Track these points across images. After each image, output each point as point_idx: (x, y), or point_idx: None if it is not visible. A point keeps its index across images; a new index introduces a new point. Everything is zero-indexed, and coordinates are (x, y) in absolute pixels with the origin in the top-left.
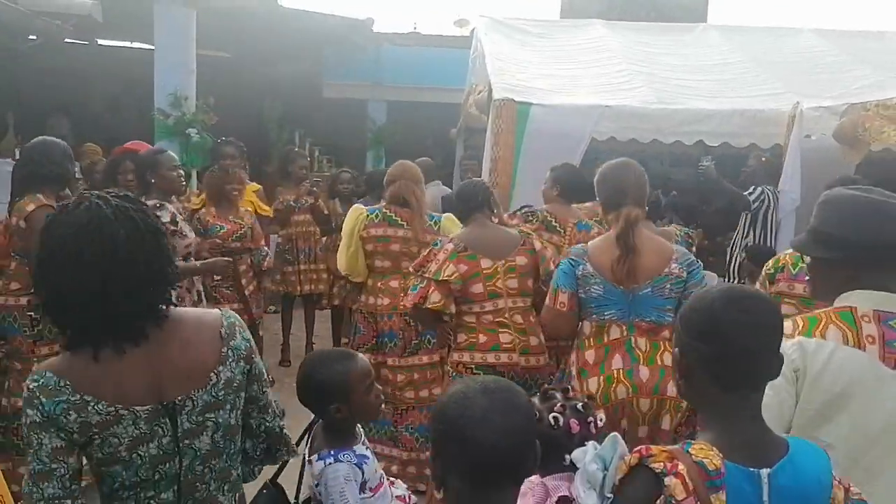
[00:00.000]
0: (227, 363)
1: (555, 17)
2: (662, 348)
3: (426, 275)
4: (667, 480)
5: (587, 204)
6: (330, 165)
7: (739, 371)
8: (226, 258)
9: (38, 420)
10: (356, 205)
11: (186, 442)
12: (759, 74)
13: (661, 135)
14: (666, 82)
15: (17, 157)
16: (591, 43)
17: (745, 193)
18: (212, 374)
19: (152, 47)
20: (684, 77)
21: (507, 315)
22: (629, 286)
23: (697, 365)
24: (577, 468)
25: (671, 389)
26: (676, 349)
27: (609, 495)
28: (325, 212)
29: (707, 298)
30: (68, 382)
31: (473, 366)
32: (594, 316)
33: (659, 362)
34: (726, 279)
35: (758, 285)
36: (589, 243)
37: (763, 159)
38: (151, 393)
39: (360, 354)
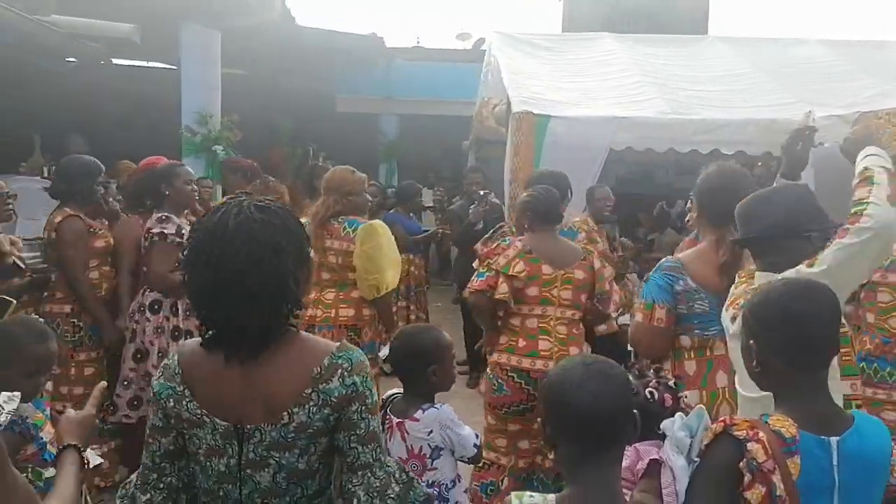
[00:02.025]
0: (306, 406)
1: (556, 29)
2: None
3: (494, 266)
4: (749, 446)
5: (576, 220)
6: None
7: (808, 353)
8: None
9: (150, 396)
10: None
11: (248, 472)
12: (768, 84)
13: (676, 144)
14: (678, 93)
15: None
16: (602, 56)
17: None
18: (285, 413)
19: (173, 66)
20: (696, 87)
21: (551, 323)
22: None
23: (770, 351)
24: (665, 437)
25: None
26: (750, 340)
27: (696, 459)
28: None
29: (774, 292)
30: (181, 371)
31: (509, 367)
32: (697, 332)
33: None
34: None
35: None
36: (681, 256)
37: (770, 165)
38: (234, 410)
39: None
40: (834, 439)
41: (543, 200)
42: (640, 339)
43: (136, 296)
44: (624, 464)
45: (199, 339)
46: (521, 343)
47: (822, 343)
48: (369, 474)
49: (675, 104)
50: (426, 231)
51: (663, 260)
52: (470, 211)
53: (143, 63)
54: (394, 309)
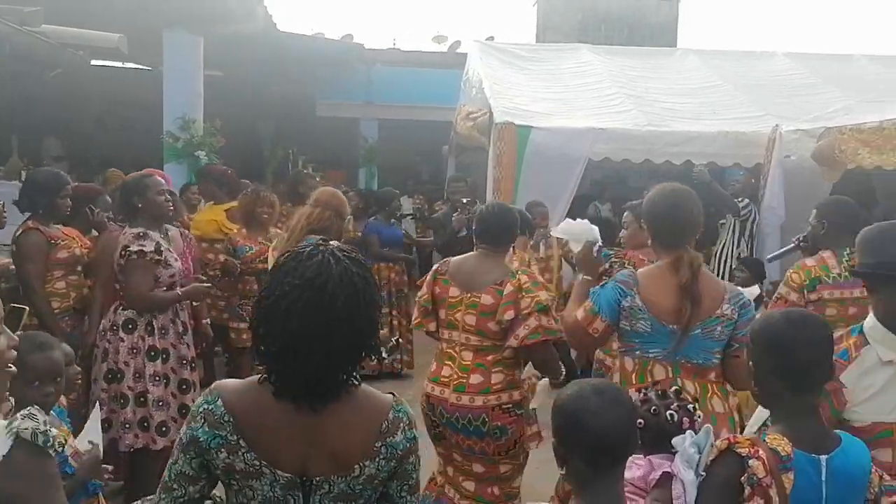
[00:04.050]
0: (376, 460)
1: (529, 33)
2: (711, 392)
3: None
4: (750, 462)
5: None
6: (324, 183)
7: (801, 377)
8: (205, 284)
9: (185, 440)
10: None
11: None
12: (738, 97)
13: (651, 155)
14: (653, 105)
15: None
16: (579, 67)
17: (736, 200)
18: (357, 465)
19: (152, 68)
20: (669, 100)
21: (456, 349)
22: (683, 329)
23: (768, 373)
24: (676, 452)
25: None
26: (751, 362)
27: (703, 473)
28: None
29: (773, 320)
30: (232, 419)
31: (424, 394)
32: (637, 352)
33: (709, 408)
34: None
35: (783, 291)
36: (640, 272)
37: (753, 180)
38: (297, 462)
39: None
40: (823, 457)
41: (484, 218)
42: (572, 333)
43: (107, 312)
44: (638, 473)
45: (242, 381)
46: (433, 367)
47: (813, 368)
48: None
49: (651, 116)
50: (403, 236)
51: (622, 271)
52: (453, 218)
53: (123, 65)
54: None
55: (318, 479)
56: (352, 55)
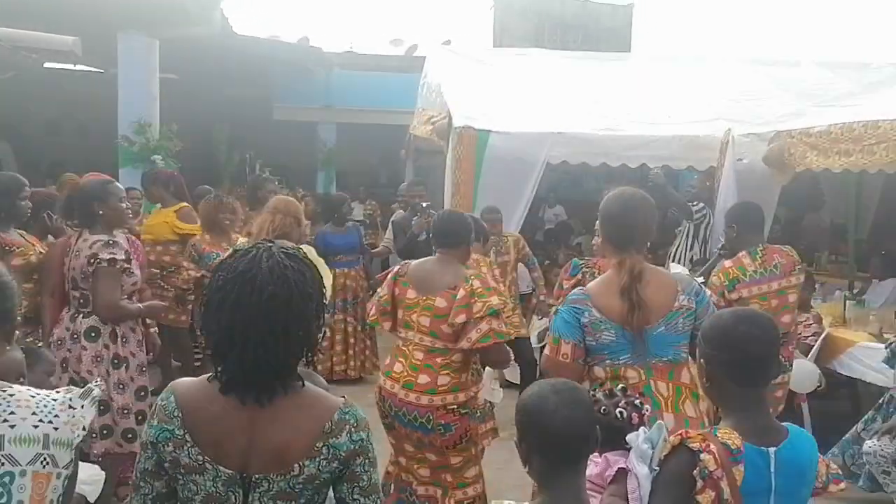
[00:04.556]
0: (317, 460)
1: (487, 37)
2: (684, 395)
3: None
4: (702, 456)
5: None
6: (281, 187)
7: (749, 372)
8: (163, 304)
9: (144, 438)
10: None
11: None
12: (690, 101)
13: (608, 159)
14: (610, 109)
15: None
16: (537, 71)
17: (690, 205)
18: (296, 464)
19: (106, 70)
20: (625, 103)
21: (410, 348)
22: (642, 329)
23: (718, 369)
24: (631, 448)
25: None
26: (701, 359)
27: (656, 468)
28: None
29: (723, 318)
30: (181, 414)
31: (378, 386)
32: (608, 361)
33: (682, 411)
34: None
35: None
36: (589, 286)
37: (707, 183)
38: (239, 458)
39: None
40: (772, 450)
41: (440, 224)
42: (549, 370)
43: (60, 320)
44: (595, 471)
45: (196, 378)
46: (388, 360)
47: (761, 362)
48: None
49: (607, 120)
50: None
51: (571, 292)
52: (413, 222)
53: (76, 67)
54: (331, 322)
55: (257, 476)
56: (310, 59)
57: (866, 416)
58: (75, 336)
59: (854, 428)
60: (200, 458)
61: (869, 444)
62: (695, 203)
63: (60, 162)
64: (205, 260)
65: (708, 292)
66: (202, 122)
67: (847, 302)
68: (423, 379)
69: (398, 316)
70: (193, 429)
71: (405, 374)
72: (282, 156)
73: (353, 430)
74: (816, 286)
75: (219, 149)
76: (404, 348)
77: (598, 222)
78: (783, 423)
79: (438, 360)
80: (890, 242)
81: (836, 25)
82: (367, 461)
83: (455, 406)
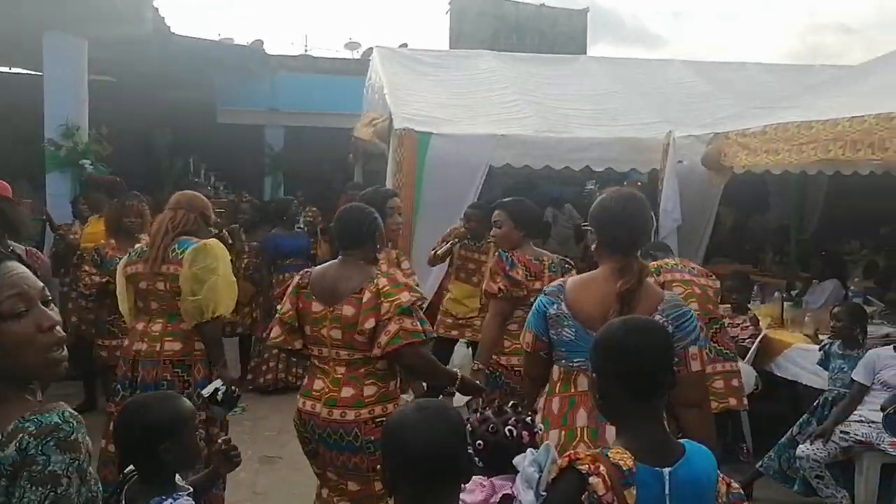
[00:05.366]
0: None
1: (443, 40)
2: None
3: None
4: (591, 479)
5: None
6: (227, 192)
7: (642, 384)
8: None
9: None
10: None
11: None
12: (635, 104)
13: (551, 161)
14: (553, 111)
15: None
16: (483, 73)
17: None
18: None
19: (35, 72)
20: (570, 106)
21: (330, 364)
22: None
23: (610, 382)
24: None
25: None
26: (593, 373)
27: (543, 493)
28: (230, 240)
29: (613, 328)
30: None
31: (296, 410)
32: (563, 361)
33: None
34: None
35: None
36: (569, 280)
37: (639, 184)
38: None
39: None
40: (666, 470)
41: (341, 221)
42: (523, 362)
43: None
44: (480, 497)
45: None
46: (305, 381)
47: (654, 375)
48: None
49: (551, 122)
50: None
51: (553, 283)
52: None
53: (4, 68)
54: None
55: None
56: (254, 61)
57: (801, 420)
58: None
59: (789, 431)
60: None
61: (802, 449)
62: None
63: None
64: (107, 265)
65: (699, 324)
66: (142, 125)
67: (784, 303)
68: (348, 392)
69: (307, 332)
70: None
71: (326, 390)
72: (227, 160)
73: (39, 442)
74: (755, 288)
75: (160, 154)
76: (323, 365)
77: (496, 213)
78: (680, 440)
79: (362, 370)
80: (831, 243)
81: (778, 32)
82: (38, 477)
83: (384, 418)
